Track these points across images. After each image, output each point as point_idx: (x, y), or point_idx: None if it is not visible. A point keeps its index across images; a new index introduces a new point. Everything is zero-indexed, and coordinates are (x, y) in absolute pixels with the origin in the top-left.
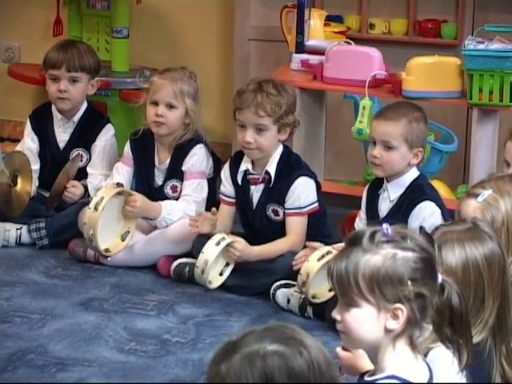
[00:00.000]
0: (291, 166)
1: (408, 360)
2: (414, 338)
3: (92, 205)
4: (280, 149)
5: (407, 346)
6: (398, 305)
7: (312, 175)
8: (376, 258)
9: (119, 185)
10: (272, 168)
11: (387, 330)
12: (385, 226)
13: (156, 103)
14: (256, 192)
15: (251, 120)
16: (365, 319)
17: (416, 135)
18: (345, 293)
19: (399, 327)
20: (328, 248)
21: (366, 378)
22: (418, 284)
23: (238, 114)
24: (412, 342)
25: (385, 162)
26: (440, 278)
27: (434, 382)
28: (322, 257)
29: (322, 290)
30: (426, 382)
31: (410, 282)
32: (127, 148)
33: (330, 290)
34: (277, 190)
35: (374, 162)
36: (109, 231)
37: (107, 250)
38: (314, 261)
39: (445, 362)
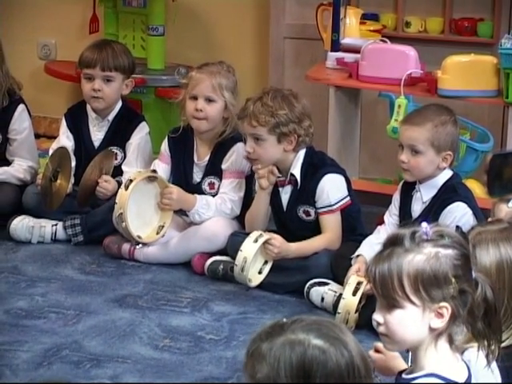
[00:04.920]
0: (315, 166)
1: (448, 358)
2: (453, 336)
3: (123, 185)
4: (303, 150)
5: (447, 344)
6: (443, 303)
7: (339, 170)
8: (419, 257)
9: (154, 171)
10: (296, 170)
11: (431, 329)
12: (424, 225)
13: (195, 98)
14: (284, 194)
15: (248, 130)
16: (409, 320)
17: (443, 139)
18: (388, 294)
19: (444, 325)
20: (359, 279)
21: (404, 376)
22: (461, 280)
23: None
24: (451, 339)
25: (412, 167)
26: (473, 274)
27: (473, 381)
28: (357, 290)
29: None
30: (463, 381)
31: (453, 280)
32: (164, 145)
33: None
34: (305, 192)
35: (402, 167)
36: (143, 221)
37: (139, 237)
38: (350, 296)
39: (480, 363)
